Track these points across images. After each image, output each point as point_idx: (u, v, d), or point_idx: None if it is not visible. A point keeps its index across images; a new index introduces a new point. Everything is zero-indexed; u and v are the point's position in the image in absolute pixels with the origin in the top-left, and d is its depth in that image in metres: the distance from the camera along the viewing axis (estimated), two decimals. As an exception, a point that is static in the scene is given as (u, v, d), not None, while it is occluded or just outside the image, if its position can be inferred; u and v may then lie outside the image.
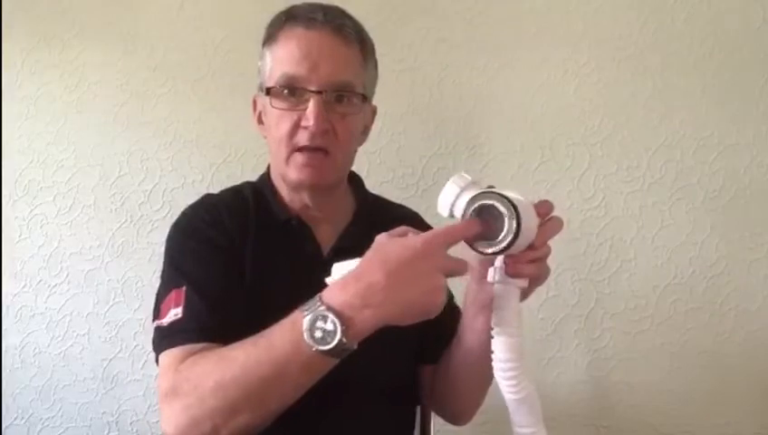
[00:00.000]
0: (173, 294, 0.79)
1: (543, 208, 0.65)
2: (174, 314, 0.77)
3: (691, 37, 1.39)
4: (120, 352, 1.46)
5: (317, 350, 0.61)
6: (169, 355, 0.74)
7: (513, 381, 0.62)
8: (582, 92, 1.40)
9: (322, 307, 0.61)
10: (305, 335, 0.61)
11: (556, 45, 1.40)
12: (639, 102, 1.40)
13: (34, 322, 1.48)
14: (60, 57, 1.46)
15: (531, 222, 0.61)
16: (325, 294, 0.63)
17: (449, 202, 0.62)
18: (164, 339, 0.76)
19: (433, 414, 1.05)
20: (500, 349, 0.63)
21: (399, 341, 0.90)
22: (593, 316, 1.42)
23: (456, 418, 0.97)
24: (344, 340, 0.60)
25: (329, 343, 0.60)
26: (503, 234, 0.58)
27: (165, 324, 0.77)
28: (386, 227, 0.93)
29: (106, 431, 1.47)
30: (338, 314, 0.60)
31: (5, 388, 1.48)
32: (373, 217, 0.94)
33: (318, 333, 0.61)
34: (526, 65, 1.41)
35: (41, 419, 1.49)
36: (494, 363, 0.63)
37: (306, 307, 0.62)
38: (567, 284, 1.39)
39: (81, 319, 1.47)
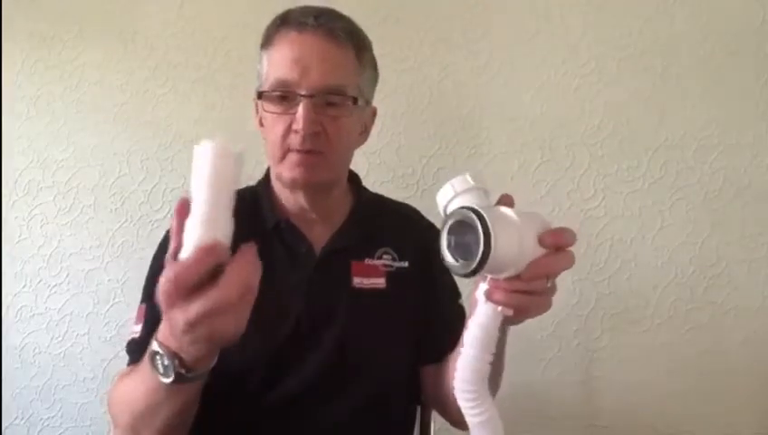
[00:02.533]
0: (140, 308, 0.89)
1: (550, 239, 0.55)
2: (135, 330, 0.86)
3: (691, 37, 1.38)
4: (120, 352, 1.46)
5: (165, 382, 0.60)
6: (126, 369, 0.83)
7: (472, 404, 0.58)
8: (582, 92, 1.40)
9: (155, 343, 0.60)
10: (153, 369, 0.61)
11: (556, 45, 1.40)
12: (639, 102, 1.40)
13: (34, 322, 1.48)
14: (60, 57, 1.46)
15: (511, 249, 0.53)
16: (160, 329, 0.60)
17: (442, 205, 0.59)
18: (127, 353, 0.87)
19: (433, 414, 1.05)
20: (463, 368, 0.58)
21: (392, 336, 0.90)
22: (593, 316, 1.42)
23: (459, 422, 0.97)
24: (182, 371, 0.59)
25: (169, 376, 0.60)
26: (471, 257, 0.52)
27: (130, 338, 0.87)
28: (382, 223, 0.95)
29: (106, 431, 1.47)
30: (166, 350, 0.59)
31: (5, 388, 1.48)
32: (370, 215, 0.95)
33: (160, 368, 0.60)
34: (526, 65, 1.41)
35: (41, 419, 1.49)
36: (454, 382, 0.59)
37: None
38: (567, 284, 1.39)
39: (81, 319, 1.47)
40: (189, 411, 0.70)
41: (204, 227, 0.52)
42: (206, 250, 0.51)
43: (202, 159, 0.53)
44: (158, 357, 0.59)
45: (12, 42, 1.45)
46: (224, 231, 0.53)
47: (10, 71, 1.46)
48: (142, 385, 0.65)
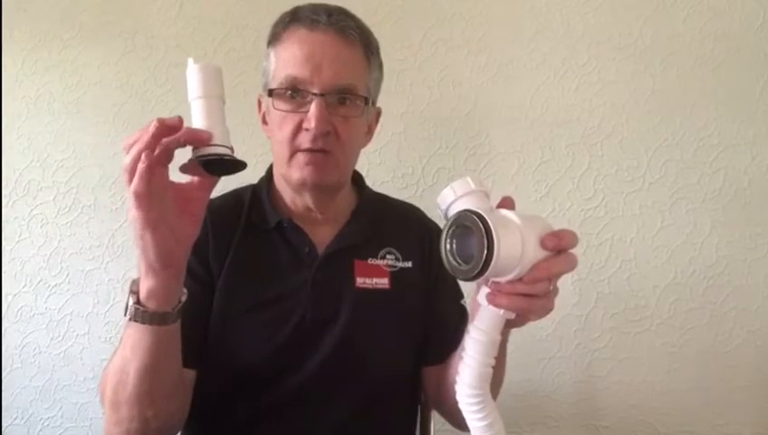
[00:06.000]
0: None
1: (552, 241, 0.55)
2: None
3: (691, 37, 1.39)
4: (119, 352, 1.46)
5: (127, 322, 0.67)
6: None
7: (474, 408, 0.58)
8: (582, 92, 1.40)
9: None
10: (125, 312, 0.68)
11: (556, 45, 1.40)
12: (639, 102, 1.40)
13: (34, 322, 1.48)
14: (60, 57, 1.46)
15: (513, 253, 0.53)
16: None
17: (443, 208, 0.58)
18: None
19: (433, 414, 1.05)
20: (465, 373, 0.58)
21: (395, 336, 0.90)
22: (593, 316, 1.42)
23: (460, 424, 0.96)
24: (136, 305, 0.66)
25: (126, 315, 0.67)
26: (474, 260, 0.52)
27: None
28: (386, 223, 0.95)
29: (106, 431, 1.47)
30: (132, 288, 0.68)
31: (5, 388, 1.48)
32: (373, 214, 0.94)
33: (125, 311, 0.68)
34: (526, 65, 1.41)
35: (41, 419, 1.49)
36: (457, 386, 0.59)
37: None
38: (567, 284, 1.39)
39: (81, 319, 1.47)
40: (158, 376, 0.70)
41: (201, 126, 0.61)
42: (197, 129, 0.60)
43: (191, 75, 0.62)
44: (129, 297, 0.67)
45: (12, 42, 1.45)
46: (220, 132, 0.61)
47: (10, 71, 1.46)
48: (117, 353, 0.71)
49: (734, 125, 1.38)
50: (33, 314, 1.48)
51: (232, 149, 0.62)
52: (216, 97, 0.62)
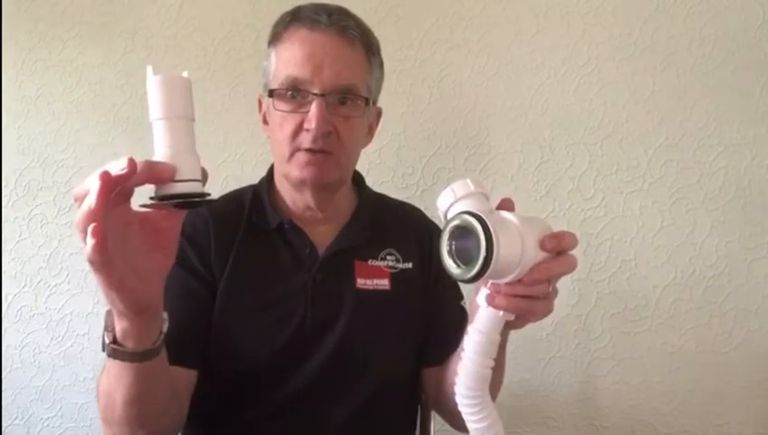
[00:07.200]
0: None
1: (551, 243, 0.55)
2: None
3: (691, 37, 1.39)
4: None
5: (108, 357, 0.61)
6: None
7: (473, 410, 0.58)
8: (582, 92, 1.40)
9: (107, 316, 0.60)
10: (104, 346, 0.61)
11: (556, 45, 1.40)
12: (639, 102, 1.40)
13: (34, 322, 1.48)
14: (60, 57, 1.46)
15: (512, 254, 0.52)
16: None
17: (443, 209, 0.58)
18: None
19: (433, 414, 1.05)
20: (464, 374, 0.58)
21: (395, 337, 0.90)
22: (593, 316, 1.42)
23: (460, 425, 0.96)
24: (112, 344, 0.59)
25: (104, 350, 0.61)
26: (473, 262, 0.52)
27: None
28: (386, 224, 0.95)
29: (106, 431, 1.47)
30: (107, 321, 0.60)
31: (5, 388, 1.48)
32: (373, 215, 0.94)
33: (102, 345, 0.61)
34: (526, 65, 1.41)
35: (41, 419, 1.49)
36: (455, 388, 0.59)
37: None
38: (567, 284, 1.39)
39: (81, 319, 1.47)
40: (146, 404, 0.67)
41: (163, 157, 0.52)
42: (159, 164, 0.51)
43: (152, 90, 0.52)
44: (105, 335, 0.60)
45: (12, 42, 1.45)
46: (187, 162, 0.52)
47: (10, 71, 1.46)
48: (104, 374, 0.66)
49: (734, 125, 1.38)
50: (33, 314, 1.48)
51: (203, 176, 0.54)
52: (182, 117, 0.53)
